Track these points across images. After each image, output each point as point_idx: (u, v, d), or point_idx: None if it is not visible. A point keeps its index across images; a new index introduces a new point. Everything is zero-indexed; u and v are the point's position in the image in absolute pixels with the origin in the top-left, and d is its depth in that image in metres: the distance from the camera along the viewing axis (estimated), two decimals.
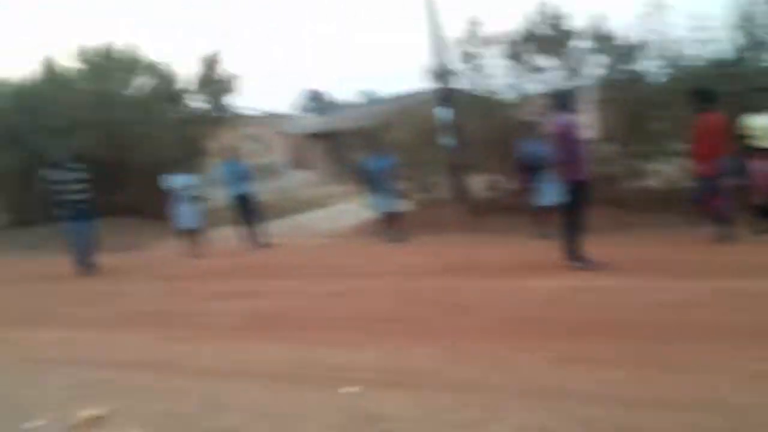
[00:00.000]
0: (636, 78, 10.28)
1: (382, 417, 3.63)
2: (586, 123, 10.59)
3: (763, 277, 6.14)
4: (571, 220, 7.13)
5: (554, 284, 6.46)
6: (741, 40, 9.39)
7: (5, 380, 5.18)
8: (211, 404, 4.13)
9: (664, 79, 10.08)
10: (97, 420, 4.12)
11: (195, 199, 11.51)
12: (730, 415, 3.24)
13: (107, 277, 10.12)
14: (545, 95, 9.11)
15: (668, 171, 9.97)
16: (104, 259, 10.97)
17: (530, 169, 9.53)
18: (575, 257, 7.08)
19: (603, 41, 10.51)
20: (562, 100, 7.25)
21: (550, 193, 8.68)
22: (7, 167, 15.73)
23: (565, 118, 7.03)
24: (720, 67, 9.49)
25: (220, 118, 17.79)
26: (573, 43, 10.77)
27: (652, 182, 10.14)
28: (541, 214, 9.48)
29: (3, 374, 5.35)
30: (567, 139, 6.92)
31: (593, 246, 7.21)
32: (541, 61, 11.12)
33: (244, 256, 11.02)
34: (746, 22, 9.32)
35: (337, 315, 6.28)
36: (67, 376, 5.08)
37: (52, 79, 16.29)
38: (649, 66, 10.17)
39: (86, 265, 10.41)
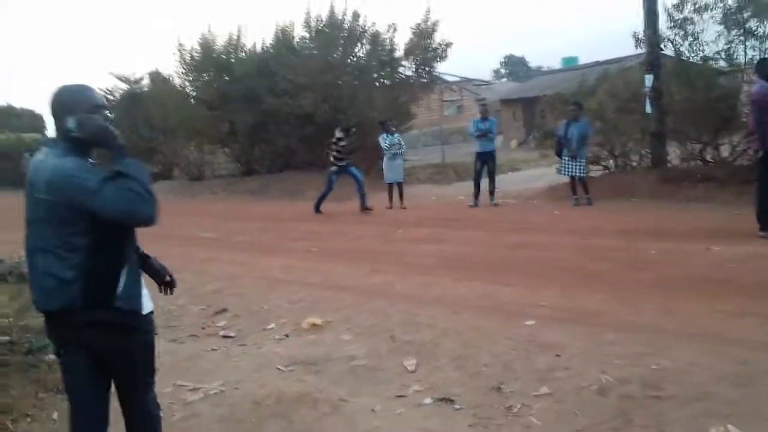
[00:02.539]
0: None
1: (553, 345, 4.21)
2: None
3: None
4: (766, 189, 6.96)
5: (738, 250, 6.47)
6: None
7: (247, 292, 6.51)
8: (409, 323, 5.00)
9: None
10: (317, 326, 5.20)
11: (400, 156, 12.66)
12: None
13: (327, 221, 11.61)
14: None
15: None
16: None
17: None
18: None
19: None
20: (764, 68, 7.03)
21: None
22: (244, 124, 18.13)
23: (765, 86, 6.83)
24: None
25: (427, 83, 18.68)
26: None
27: None
28: None
29: (245, 288, 6.70)
30: (763, 108, 6.74)
31: None
32: (760, 27, 10.48)
33: (440, 209, 11.98)
34: None
35: (521, 262, 6.92)
36: (291, 293, 6.31)
37: (286, 46, 18.29)
38: None
39: (363, 208, 12.26)
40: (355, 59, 17.82)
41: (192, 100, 20.26)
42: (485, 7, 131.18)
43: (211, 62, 19.13)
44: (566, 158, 11.03)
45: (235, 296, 6.41)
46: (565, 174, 11.26)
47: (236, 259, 8.33)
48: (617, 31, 45.00)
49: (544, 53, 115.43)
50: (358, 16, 17.73)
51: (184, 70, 19.82)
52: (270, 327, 5.37)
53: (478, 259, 7.28)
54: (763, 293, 5.04)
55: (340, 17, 17.80)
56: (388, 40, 17.54)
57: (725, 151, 11.05)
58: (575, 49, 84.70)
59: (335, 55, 17.49)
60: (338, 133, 12.28)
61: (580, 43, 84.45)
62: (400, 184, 12.56)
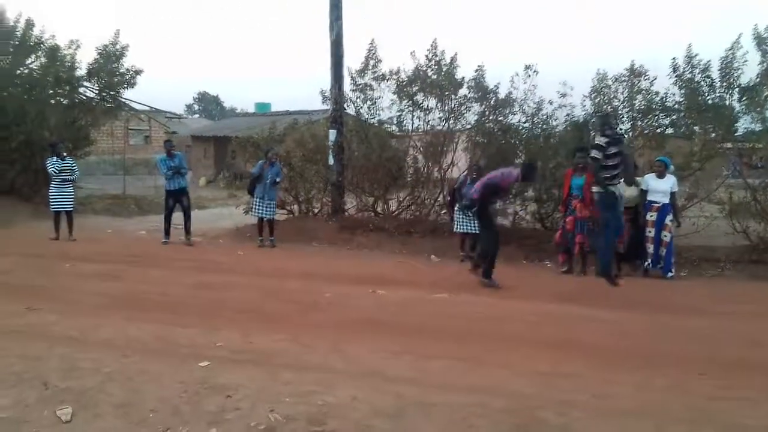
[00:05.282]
0: (504, 128, 11.45)
1: (226, 387, 4.13)
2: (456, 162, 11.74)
3: (582, 303, 7.15)
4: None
5: (399, 294, 7.30)
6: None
7: None
8: (69, 368, 4.47)
9: (525, 132, 11.31)
10: None
11: (71, 182, 11.54)
12: (511, 397, 4.04)
13: None
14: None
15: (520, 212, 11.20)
16: None
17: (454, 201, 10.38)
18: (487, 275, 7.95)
19: (480, 92, 11.64)
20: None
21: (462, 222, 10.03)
22: None
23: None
24: (576, 130, 10.87)
25: (112, 109, 17.50)
26: (454, 89, 11.84)
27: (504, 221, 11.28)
28: (460, 238, 10.36)
29: None
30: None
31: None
32: (425, 101, 12.13)
33: (116, 243, 11.15)
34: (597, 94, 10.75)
35: (201, 303, 6.76)
36: None
37: None
38: (515, 119, 11.41)
39: None
40: (26, 71, 15.88)
41: None
42: (184, 40, 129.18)
43: None
44: (258, 199, 11.19)
45: None
46: (255, 215, 11.38)
47: None
48: (309, 85, 48.18)
49: (239, 96, 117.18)
50: (33, 24, 15.98)
51: None
52: None
53: (155, 299, 6.90)
54: (417, 333, 5.68)
55: (12, 22, 15.79)
56: (68, 57, 16.04)
57: (393, 206, 12.41)
58: (269, 96, 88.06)
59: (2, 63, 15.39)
60: None
61: (275, 91, 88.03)
62: (69, 213, 11.41)
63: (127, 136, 24.27)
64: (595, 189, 7.80)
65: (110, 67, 16.44)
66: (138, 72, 16.74)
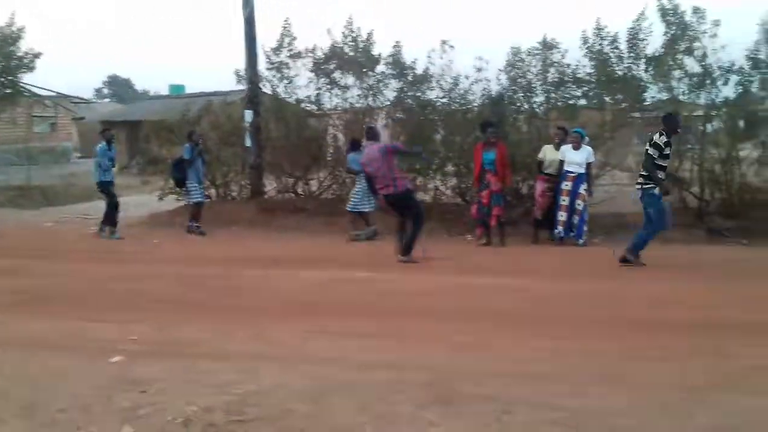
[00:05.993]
0: (423, 104, 11.48)
1: (140, 381, 3.95)
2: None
3: (492, 275, 7.30)
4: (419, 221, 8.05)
5: (322, 275, 7.24)
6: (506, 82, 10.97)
7: None
8: None
9: (443, 107, 11.38)
10: None
11: None
12: (430, 371, 4.08)
13: None
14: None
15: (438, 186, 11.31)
16: None
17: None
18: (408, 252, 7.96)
19: (398, 68, 11.61)
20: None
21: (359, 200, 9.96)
22: None
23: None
24: (492, 104, 11.03)
25: (11, 95, 16.52)
26: (372, 65, 11.76)
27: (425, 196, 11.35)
28: (353, 216, 10.20)
29: None
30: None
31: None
32: (343, 78, 11.99)
33: (22, 237, 10.58)
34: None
35: (113, 296, 6.49)
36: None
37: None
38: (433, 95, 11.44)
39: None
40: None
41: None
42: (90, 23, 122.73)
43: None
44: (196, 183, 10.78)
45: None
46: (194, 200, 10.92)
47: None
48: (224, 66, 46.91)
49: (152, 78, 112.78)
50: None
51: None
52: None
53: (64, 294, 6.58)
54: (337, 313, 5.66)
55: None
56: None
57: (314, 186, 12.28)
58: (184, 77, 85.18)
59: None
60: None
61: (189, 72, 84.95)
62: None
63: (30, 123, 22.93)
64: (647, 186, 7.49)
65: (6, 50, 15.50)
66: (37, 55, 15.87)
